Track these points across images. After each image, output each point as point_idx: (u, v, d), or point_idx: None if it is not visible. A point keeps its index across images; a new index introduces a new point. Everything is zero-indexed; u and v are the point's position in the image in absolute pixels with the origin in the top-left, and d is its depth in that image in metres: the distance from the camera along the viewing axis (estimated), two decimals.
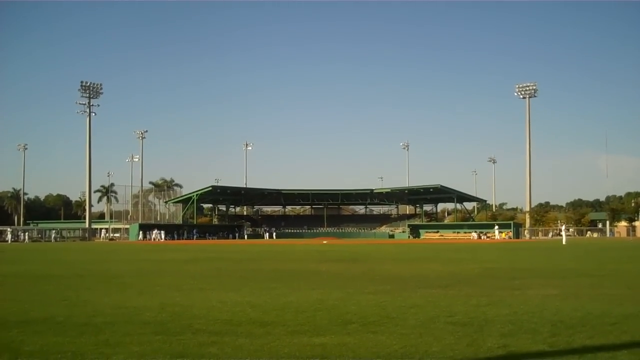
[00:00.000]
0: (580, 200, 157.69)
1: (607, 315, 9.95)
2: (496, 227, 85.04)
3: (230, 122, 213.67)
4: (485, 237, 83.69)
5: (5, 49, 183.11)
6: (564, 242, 53.64)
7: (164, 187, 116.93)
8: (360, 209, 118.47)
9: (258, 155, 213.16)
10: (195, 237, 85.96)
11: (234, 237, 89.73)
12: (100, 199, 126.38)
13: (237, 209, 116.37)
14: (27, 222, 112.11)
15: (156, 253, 37.86)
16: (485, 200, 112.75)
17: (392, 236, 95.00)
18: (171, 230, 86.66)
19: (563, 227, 63.27)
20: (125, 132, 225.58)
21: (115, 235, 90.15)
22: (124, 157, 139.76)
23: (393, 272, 20.28)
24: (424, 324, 9.11)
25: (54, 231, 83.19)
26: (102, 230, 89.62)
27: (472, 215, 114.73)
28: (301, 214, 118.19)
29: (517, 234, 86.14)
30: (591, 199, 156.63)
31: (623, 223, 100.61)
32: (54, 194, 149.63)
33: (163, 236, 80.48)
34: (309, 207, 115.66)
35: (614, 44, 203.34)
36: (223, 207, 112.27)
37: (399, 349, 7.45)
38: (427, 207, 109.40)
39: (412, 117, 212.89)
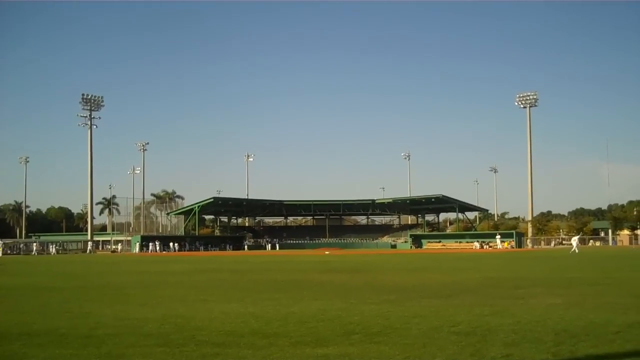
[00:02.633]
0: (582, 208, 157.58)
1: (610, 324, 9.92)
2: (498, 236, 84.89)
3: (231, 133, 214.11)
4: (487, 246, 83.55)
5: (5, 62, 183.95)
6: (570, 251, 53.47)
7: (165, 199, 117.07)
8: (362, 220, 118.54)
9: (259, 167, 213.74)
10: (201, 248, 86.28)
11: (236, 248, 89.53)
12: (102, 211, 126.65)
13: (239, 220, 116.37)
14: (29, 234, 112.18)
15: (158, 265, 37.81)
16: (487, 210, 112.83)
17: (394, 246, 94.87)
18: (177, 241, 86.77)
19: (574, 239, 62.51)
20: (126, 144, 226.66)
21: (116, 247, 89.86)
22: (125, 169, 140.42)
23: (396, 282, 20.25)
24: (427, 334, 9.09)
25: (35, 244, 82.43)
26: (89, 243, 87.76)
27: (474, 224, 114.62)
28: (303, 224, 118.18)
29: (520, 243, 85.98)
30: (593, 207, 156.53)
31: (626, 231, 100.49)
32: (56, 206, 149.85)
33: (174, 247, 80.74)
34: (311, 217, 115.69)
35: (614, 52, 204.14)
36: (225, 219, 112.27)
37: (402, 359, 7.43)
38: (429, 217, 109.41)
39: (413, 127, 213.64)
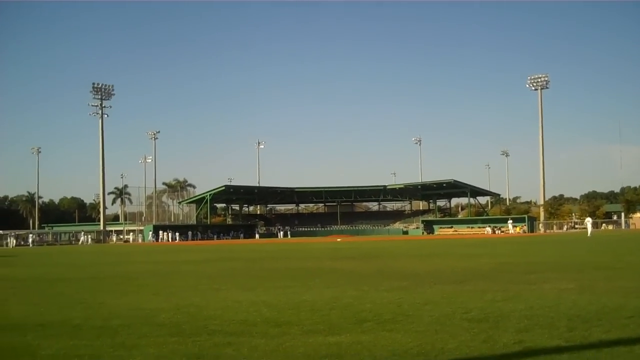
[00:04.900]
0: (594, 192, 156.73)
1: (623, 308, 9.88)
2: (510, 221, 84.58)
3: (242, 120, 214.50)
4: (499, 231, 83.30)
5: (16, 52, 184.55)
6: (589, 234, 53.71)
7: (177, 188, 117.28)
8: (373, 206, 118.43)
9: (270, 154, 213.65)
10: (214, 237, 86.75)
11: (248, 237, 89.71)
12: (114, 201, 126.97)
13: (251, 208, 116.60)
14: (42, 225, 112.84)
15: (170, 254, 38.00)
16: (499, 194, 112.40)
17: (406, 232, 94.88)
18: (192, 229, 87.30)
19: (588, 220, 62.17)
20: (137, 133, 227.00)
21: (127, 237, 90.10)
22: (137, 158, 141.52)
23: (408, 268, 20.24)
24: (439, 321, 9.08)
25: (31, 235, 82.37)
26: (82, 233, 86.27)
27: (485, 209, 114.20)
28: (314, 212, 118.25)
29: (532, 228, 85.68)
30: (605, 190, 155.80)
31: (638, 214, 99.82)
32: (68, 196, 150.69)
33: (177, 237, 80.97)
34: (322, 204, 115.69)
35: (626, 34, 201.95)
36: (237, 207, 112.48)
37: (415, 347, 7.42)
38: (441, 203, 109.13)
39: (424, 112, 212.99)
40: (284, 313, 10.28)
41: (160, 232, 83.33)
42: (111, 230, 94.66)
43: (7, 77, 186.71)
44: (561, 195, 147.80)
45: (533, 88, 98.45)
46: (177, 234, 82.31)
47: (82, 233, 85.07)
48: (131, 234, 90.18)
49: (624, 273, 16.64)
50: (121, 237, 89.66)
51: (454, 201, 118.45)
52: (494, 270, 18.38)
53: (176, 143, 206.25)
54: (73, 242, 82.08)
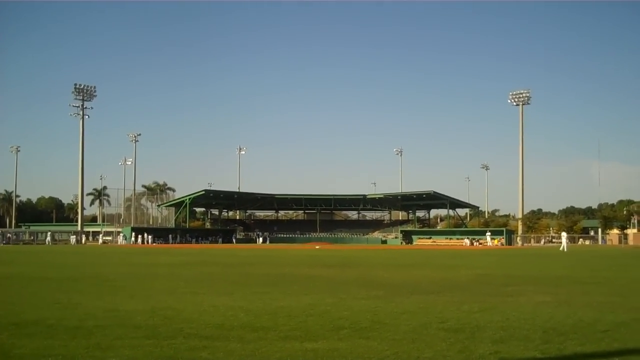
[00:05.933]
0: (572, 207, 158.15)
1: (599, 322, 9.98)
2: (488, 233, 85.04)
3: (224, 126, 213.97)
4: (477, 243, 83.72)
5: None
6: (562, 249, 54.19)
7: (156, 191, 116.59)
8: (353, 215, 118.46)
9: (251, 160, 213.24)
10: (192, 240, 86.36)
11: (226, 241, 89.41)
12: (92, 202, 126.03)
13: (230, 213, 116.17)
14: (19, 224, 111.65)
15: (148, 257, 37.71)
16: (478, 207, 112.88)
17: (384, 242, 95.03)
18: (171, 233, 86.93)
19: (563, 235, 62.66)
20: (118, 135, 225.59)
21: (106, 238, 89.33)
22: (117, 160, 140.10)
23: (385, 277, 20.27)
24: (416, 330, 9.11)
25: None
26: (48, 234, 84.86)
27: (464, 221, 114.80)
28: (294, 218, 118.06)
29: (510, 241, 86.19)
30: (583, 206, 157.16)
31: (615, 231, 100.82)
32: (46, 196, 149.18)
33: (150, 240, 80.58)
34: (302, 212, 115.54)
35: (608, 51, 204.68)
36: (216, 212, 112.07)
37: (391, 355, 7.44)
38: (420, 213, 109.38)
39: (406, 123, 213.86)
40: (261, 318, 10.26)
41: (134, 234, 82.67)
42: (88, 232, 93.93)
43: None
44: (539, 210, 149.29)
45: (514, 103, 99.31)
46: (150, 236, 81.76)
47: (48, 234, 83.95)
48: (101, 235, 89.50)
49: (600, 288, 16.79)
50: (97, 237, 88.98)
51: (433, 212, 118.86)
52: (472, 282, 18.47)
53: (157, 146, 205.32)
54: (52, 243, 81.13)
